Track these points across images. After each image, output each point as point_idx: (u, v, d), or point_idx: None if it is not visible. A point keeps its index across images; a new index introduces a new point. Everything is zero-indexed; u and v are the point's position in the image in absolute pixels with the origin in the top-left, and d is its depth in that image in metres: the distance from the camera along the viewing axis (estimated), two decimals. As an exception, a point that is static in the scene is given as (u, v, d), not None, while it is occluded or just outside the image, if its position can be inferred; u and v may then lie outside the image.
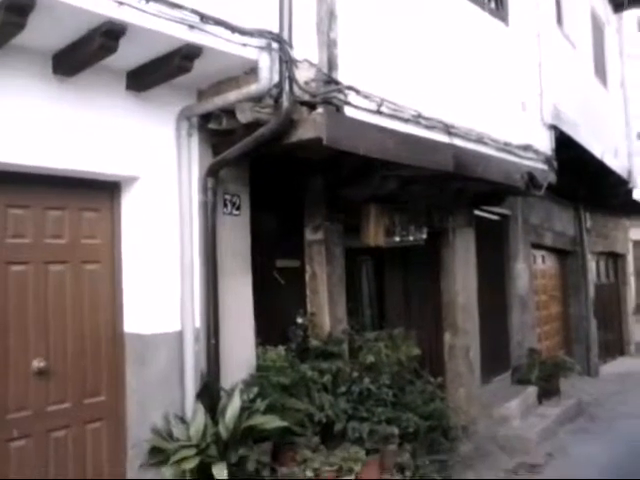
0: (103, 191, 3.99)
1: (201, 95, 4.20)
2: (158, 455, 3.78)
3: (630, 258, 15.62)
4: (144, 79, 3.83)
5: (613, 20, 11.81)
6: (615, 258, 14.75)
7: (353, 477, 4.35)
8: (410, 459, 4.94)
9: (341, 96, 4.19)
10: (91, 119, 3.71)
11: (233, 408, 3.95)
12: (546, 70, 7.55)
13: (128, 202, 4.05)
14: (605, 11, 11.24)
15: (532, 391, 8.23)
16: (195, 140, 4.20)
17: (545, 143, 7.25)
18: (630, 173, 11.41)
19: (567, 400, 8.66)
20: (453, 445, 5.59)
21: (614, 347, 13.99)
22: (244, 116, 3.91)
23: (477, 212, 7.78)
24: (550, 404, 8.38)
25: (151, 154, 4.02)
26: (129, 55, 3.56)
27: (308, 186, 5.34)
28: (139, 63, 3.74)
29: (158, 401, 3.92)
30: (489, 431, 7.07)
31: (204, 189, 4.15)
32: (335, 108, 4.17)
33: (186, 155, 4.12)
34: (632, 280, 15.65)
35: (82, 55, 3.40)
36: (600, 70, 10.68)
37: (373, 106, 4.49)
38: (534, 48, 7.32)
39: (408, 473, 4.84)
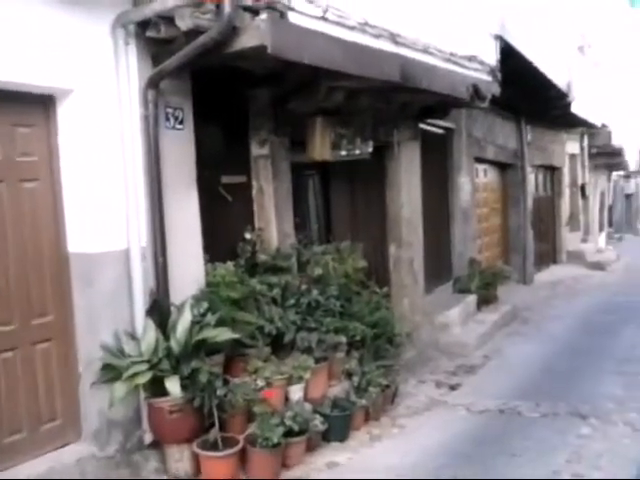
0: (36, 105, 3.76)
1: (137, 0, 3.94)
2: (110, 372, 3.80)
3: (566, 170, 16.13)
4: (73, -19, 3.55)
5: None
6: (552, 171, 15.21)
7: (303, 384, 4.54)
8: (357, 365, 5.17)
9: (285, 1, 4.01)
10: (16, 26, 3.43)
11: (184, 323, 3.98)
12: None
13: (64, 116, 3.84)
14: None
15: (472, 299, 8.63)
16: (133, 50, 3.95)
17: (490, 54, 7.22)
18: (569, 86, 11.57)
19: (503, 306, 9.15)
20: (398, 351, 5.85)
21: (548, 256, 14.70)
22: (184, 23, 3.70)
23: (422, 125, 7.80)
24: (488, 310, 8.85)
25: (86, 65, 3.78)
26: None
27: (253, 99, 5.19)
28: (66, -38, 3.45)
29: (108, 319, 3.90)
30: (431, 337, 7.43)
31: (145, 102, 3.97)
32: (279, 14, 4.00)
33: (124, 66, 3.90)
34: (566, 192, 16.23)
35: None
36: (545, -20, 10.55)
37: (318, 12, 4.34)
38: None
39: (355, 378, 5.07)
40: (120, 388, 3.69)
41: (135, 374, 3.72)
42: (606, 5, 16.98)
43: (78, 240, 3.89)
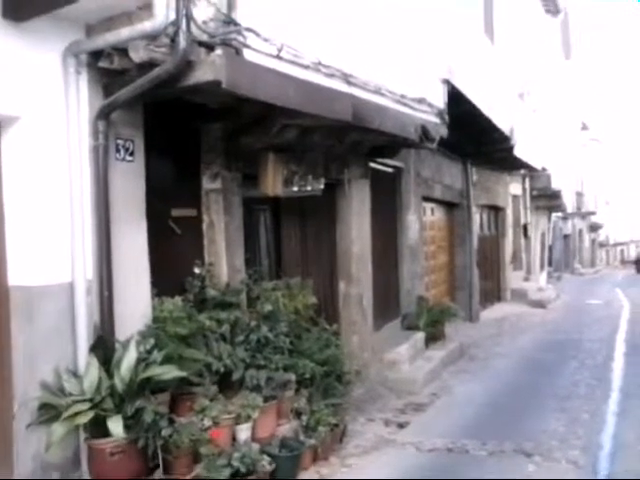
0: (-21, 131, 3.65)
1: (90, 30, 3.89)
2: (49, 412, 3.63)
3: (509, 211, 16.67)
4: (24, 7, 3.48)
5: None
6: (496, 211, 15.70)
7: (251, 424, 4.43)
8: (306, 404, 5.10)
9: (240, 38, 4.05)
10: (-38, 50, 3.34)
11: (129, 360, 3.85)
12: (441, 25, 7.71)
13: (9, 144, 3.72)
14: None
15: (420, 336, 8.69)
16: (84, 79, 3.89)
17: (438, 97, 7.46)
18: (512, 130, 12.04)
19: (451, 343, 9.25)
20: (347, 389, 5.81)
21: (493, 294, 15.05)
22: (138, 55, 3.68)
23: (372, 164, 7.93)
24: (436, 347, 8.92)
25: (34, 92, 3.70)
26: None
27: (205, 133, 5.17)
28: (17, -11, 3.39)
29: (48, 356, 3.74)
30: (380, 375, 7.42)
31: (95, 132, 3.89)
32: (234, 50, 4.03)
33: (74, 95, 3.83)
34: (510, 232, 16.74)
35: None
36: (489, 28, 11.06)
37: (273, 50, 4.39)
38: (431, 1, 7.43)
39: (304, 417, 4.99)
40: (59, 429, 3.51)
41: (75, 414, 3.55)
42: (543, 55, 17.88)
43: (19, 272, 3.74)
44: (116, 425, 3.57)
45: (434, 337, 9.12)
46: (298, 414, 5.04)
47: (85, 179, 3.90)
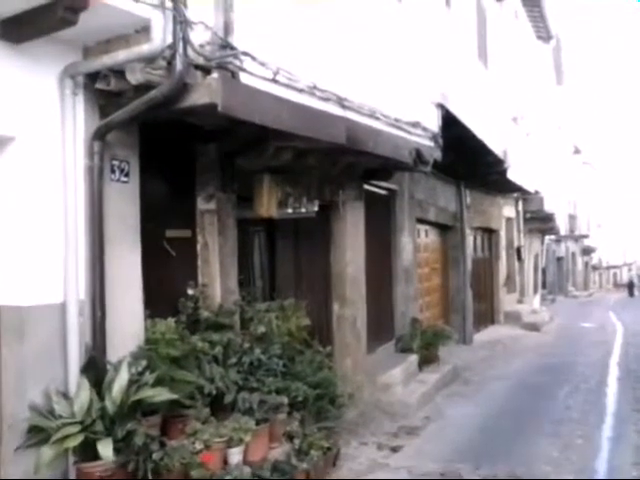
0: (-26, 151, 3.65)
1: (88, 52, 3.92)
2: (38, 434, 3.57)
3: (503, 234, 16.72)
4: (22, 29, 3.50)
5: (494, 7, 12.40)
6: (490, 233, 15.74)
7: (243, 447, 4.38)
8: (299, 427, 5.05)
9: (237, 62, 4.10)
10: (-41, 70, 3.36)
11: (120, 382, 3.81)
12: (435, 49, 7.81)
13: (4, 163, 3.72)
14: (488, -3, 11.79)
15: (414, 359, 8.65)
16: (81, 100, 3.91)
17: (432, 121, 7.52)
18: (505, 153, 12.15)
19: (444, 366, 9.21)
20: (340, 412, 5.76)
21: (486, 316, 15.03)
22: (134, 77, 3.71)
23: (367, 186, 7.96)
24: (429, 370, 8.87)
25: (30, 113, 3.71)
26: (3, 1, 3.24)
27: (201, 154, 5.19)
28: (16, 11, 3.41)
29: (38, 377, 3.69)
30: (373, 398, 7.37)
31: (90, 153, 3.90)
32: (230, 74, 4.07)
33: (71, 116, 3.84)
34: (503, 254, 16.78)
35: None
36: (482, 54, 11.21)
37: (269, 74, 4.44)
38: (425, 26, 7.53)
39: (297, 441, 4.94)
40: (47, 452, 3.46)
41: (65, 437, 3.50)
42: (536, 80, 18.14)
43: (10, 292, 3.71)
44: (106, 448, 3.51)
45: (428, 360, 9.08)
46: (290, 437, 4.99)
47: (80, 199, 3.90)
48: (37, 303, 3.73)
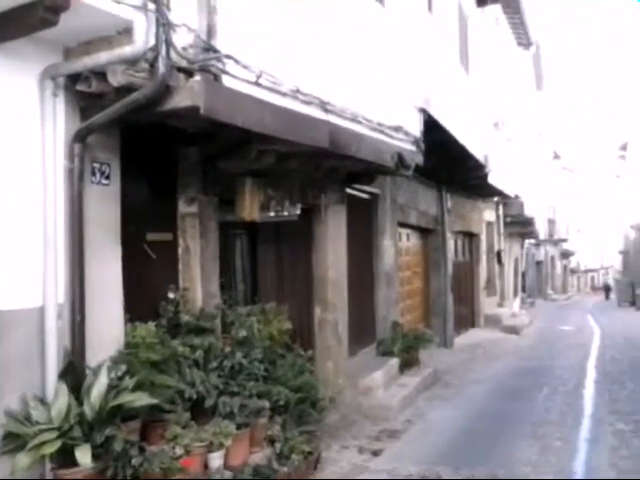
0: (-50, 152, 3.59)
1: (69, 53, 3.88)
2: (14, 441, 3.51)
3: (483, 237, 16.85)
4: (2, 29, 3.45)
5: (476, 13, 12.52)
6: (471, 237, 15.86)
7: (223, 451, 4.36)
8: (280, 431, 5.03)
9: (219, 65, 4.08)
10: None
11: (99, 387, 3.77)
12: (418, 54, 7.85)
13: (-19, 165, 3.67)
14: (469, 4, 11.88)
15: (395, 362, 8.67)
16: (61, 102, 3.87)
17: (414, 125, 7.56)
18: (486, 158, 12.26)
19: (425, 370, 9.24)
20: (321, 416, 5.75)
21: (467, 320, 15.12)
22: (116, 79, 3.68)
23: (349, 190, 7.98)
24: (410, 374, 8.90)
25: (9, 114, 3.66)
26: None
27: (183, 157, 5.16)
28: (-5, 11, 3.37)
29: (14, 382, 3.64)
30: (355, 401, 7.37)
31: (70, 155, 3.86)
32: (213, 77, 4.06)
33: (51, 117, 3.80)
34: (484, 258, 16.91)
35: None
36: (464, 59, 11.30)
37: (252, 77, 4.43)
38: (407, 31, 7.57)
39: (278, 445, 4.93)
40: (23, 459, 3.41)
41: (42, 443, 3.45)
42: (517, 86, 18.34)
43: (-13, 296, 3.65)
44: (84, 454, 3.47)
45: (409, 363, 9.11)
46: (272, 442, 4.97)
47: (59, 202, 3.86)
48: (15, 307, 3.67)
